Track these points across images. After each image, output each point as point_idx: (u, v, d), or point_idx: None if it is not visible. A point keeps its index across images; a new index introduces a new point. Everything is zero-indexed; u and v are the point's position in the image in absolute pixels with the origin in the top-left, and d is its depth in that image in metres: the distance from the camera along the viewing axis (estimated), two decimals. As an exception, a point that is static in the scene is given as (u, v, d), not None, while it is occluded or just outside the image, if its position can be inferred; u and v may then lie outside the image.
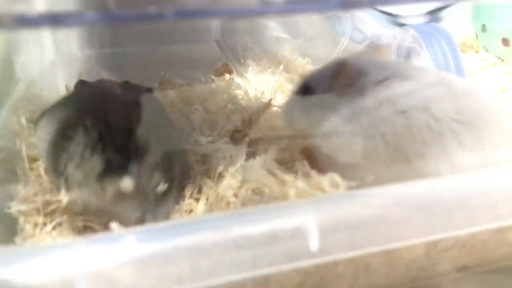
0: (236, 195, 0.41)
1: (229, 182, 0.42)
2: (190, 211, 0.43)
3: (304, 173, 0.39)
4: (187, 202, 0.43)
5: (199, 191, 0.45)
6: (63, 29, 0.66)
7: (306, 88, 0.49)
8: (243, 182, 0.41)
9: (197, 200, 0.44)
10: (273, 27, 0.89)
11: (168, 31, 0.90)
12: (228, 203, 0.40)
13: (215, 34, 0.71)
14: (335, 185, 0.35)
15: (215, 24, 0.71)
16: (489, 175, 0.34)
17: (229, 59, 0.73)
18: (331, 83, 0.45)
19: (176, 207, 0.43)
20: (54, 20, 0.25)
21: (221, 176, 0.44)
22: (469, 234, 0.33)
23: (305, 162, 0.43)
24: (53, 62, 0.81)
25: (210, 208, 0.41)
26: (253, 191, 0.40)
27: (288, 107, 0.51)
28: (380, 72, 0.44)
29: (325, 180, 0.36)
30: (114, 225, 0.30)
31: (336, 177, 0.36)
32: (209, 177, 0.45)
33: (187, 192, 0.44)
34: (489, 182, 0.33)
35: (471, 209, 0.32)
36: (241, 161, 0.44)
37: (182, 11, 0.23)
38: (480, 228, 0.32)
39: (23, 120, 0.49)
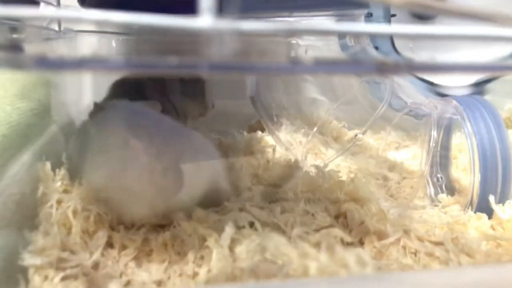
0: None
1: (245, 247, 0.39)
2: (194, 276, 0.40)
3: (328, 245, 0.36)
4: (191, 266, 0.41)
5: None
6: (87, 72, 0.67)
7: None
8: (259, 249, 0.38)
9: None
10: (310, 88, 0.88)
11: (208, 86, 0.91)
12: (240, 270, 0.37)
13: (250, 91, 0.71)
14: (361, 263, 0.32)
15: (250, 81, 0.71)
16: None
17: (262, 116, 0.72)
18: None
19: (178, 271, 0.41)
20: (76, 64, 0.23)
21: (235, 240, 0.41)
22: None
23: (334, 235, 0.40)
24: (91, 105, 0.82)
25: (218, 274, 0.39)
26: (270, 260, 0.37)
27: None
28: None
29: (350, 256, 0.33)
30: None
31: (364, 253, 0.33)
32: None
33: (191, 255, 0.42)
34: None
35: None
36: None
37: (215, 65, 0.21)
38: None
39: (48, 166, 0.48)
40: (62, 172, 0.48)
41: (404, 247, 0.47)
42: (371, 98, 0.79)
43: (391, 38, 0.80)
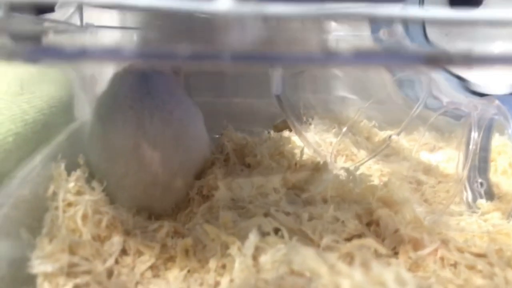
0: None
1: (269, 256, 0.36)
2: (216, 285, 0.38)
3: (362, 261, 0.33)
4: (212, 275, 0.38)
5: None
6: (98, 63, 0.64)
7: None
8: (285, 259, 0.35)
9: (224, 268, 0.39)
10: (339, 86, 0.84)
11: (232, 84, 0.89)
12: (264, 282, 0.34)
13: (275, 89, 0.67)
14: (401, 282, 0.29)
15: (276, 79, 0.67)
16: None
17: (288, 116, 0.68)
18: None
19: (199, 280, 0.39)
20: (85, 54, 0.21)
21: (259, 248, 0.38)
22: None
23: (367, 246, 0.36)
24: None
25: (240, 285, 0.35)
26: (297, 273, 0.34)
27: None
28: None
29: (389, 274, 0.29)
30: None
31: (403, 272, 0.29)
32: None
33: (213, 263, 0.39)
34: None
35: None
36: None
37: (238, 55, 0.18)
38: None
39: (62, 165, 0.45)
40: (77, 172, 0.45)
41: (442, 259, 0.43)
42: (404, 96, 0.75)
43: (423, 29, 0.75)
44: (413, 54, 0.18)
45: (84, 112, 0.69)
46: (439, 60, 0.19)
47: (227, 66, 0.17)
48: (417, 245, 0.44)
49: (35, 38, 0.48)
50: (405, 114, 0.71)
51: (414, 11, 0.20)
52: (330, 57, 0.18)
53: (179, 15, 0.18)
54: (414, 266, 0.42)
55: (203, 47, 0.18)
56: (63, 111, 0.62)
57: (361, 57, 0.18)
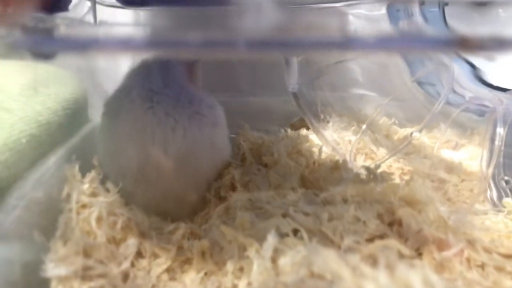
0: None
1: (289, 259, 0.34)
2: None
3: (387, 262, 0.31)
4: (230, 277, 0.37)
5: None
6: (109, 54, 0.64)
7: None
8: (305, 262, 0.33)
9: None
10: (357, 83, 0.83)
11: (247, 83, 0.88)
12: (284, 285, 0.33)
13: (292, 86, 0.65)
14: (428, 284, 0.27)
15: (292, 75, 0.65)
16: None
17: (305, 113, 0.66)
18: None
19: (216, 283, 0.37)
20: (96, 44, 0.20)
21: (278, 250, 0.36)
22: None
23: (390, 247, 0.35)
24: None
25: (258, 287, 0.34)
26: (317, 276, 0.32)
27: None
28: None
29: (415, 276, 0.28)
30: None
31: (430, 274, 0.28)
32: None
33: (230, 265, 0.38)
34: None
35: None
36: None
37: (253, 41, 0.16)
38: None
39: (76, 167, 0.44)
40: (92, 174, 0.45)
41: (468, 260, 0.41)
42: (424, 92, 0.72)
43: (444, 18, 0.73)
44: (444, 38, 0.17)
45: (99, 113, 0.68)
46: (471, 45, 0.17)
47: (242, 54, 0.16)
48: (441, 245, 0.42)
49: (47, 32, 0.47)
50: (426, 111, 0.70)
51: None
52: (350, 41, 0.16)
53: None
54: (439, 268, 0.41)
55: (216, 34, 0.16)
56: (77, 112, 0.62)
57: (385, 41, 0.17)
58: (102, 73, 0.73)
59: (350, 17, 0.71)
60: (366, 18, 0.72)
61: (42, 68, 0.61)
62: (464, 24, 0.73)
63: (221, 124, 0.52)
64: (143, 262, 0.40)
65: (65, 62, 0.64)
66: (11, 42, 0.20)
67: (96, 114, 0.68)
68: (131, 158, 0.47)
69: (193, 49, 0.16)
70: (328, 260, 0.30)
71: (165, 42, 0.17)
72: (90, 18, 0.62)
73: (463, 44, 0.17)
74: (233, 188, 0.51)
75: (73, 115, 0.60)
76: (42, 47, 0.20)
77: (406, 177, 0.60)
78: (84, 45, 0.20)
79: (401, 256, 0.39)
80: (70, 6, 0.59)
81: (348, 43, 0.16)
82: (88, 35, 0.20)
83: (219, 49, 0.16)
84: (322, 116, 0.73)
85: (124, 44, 0.19)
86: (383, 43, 0.16)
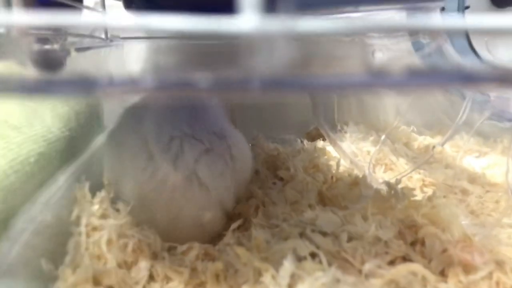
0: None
1: (307, 286, 0.33)
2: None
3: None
4: None
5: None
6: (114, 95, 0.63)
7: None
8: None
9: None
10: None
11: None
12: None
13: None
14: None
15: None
16: None
17: (321, 125, 0.64)
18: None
19: None
20: (97, 86, 0.18)
21: (295, 276, 0.35)
22: None
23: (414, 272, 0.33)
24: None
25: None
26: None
27: None
28: None
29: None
30: None
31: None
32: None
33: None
34: None
35: None
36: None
37: (269, 81, 0.15)
38: None
39: (86, 187, 0.43)
40: (102, 194, 0.43)
41: (498, 283, 0.39)
42: (443, 98, 0.70)
43: (467, 34, 0.70)
44: (481, 74, 0.15)
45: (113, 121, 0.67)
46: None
47: (256, 95, 0.14)
48: (468, 267, 0.40)
49: (58, 63, 0.46)
50: (445, 117, 0.67)
51: (455, 21, 0.16)
52: (378, 79, 0.15)
53: (200, 37, 0.15)
54: (466, 292, 0.38)
55: (227, 73, 0.15)
56: (90, 123, 0.61)
57: (417, 77, 0.15)
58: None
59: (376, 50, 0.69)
60: (392, 50, 0.70)
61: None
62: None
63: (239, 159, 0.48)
64: (155, 286, 0.39)
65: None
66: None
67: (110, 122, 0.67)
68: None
69: (204, 91, 0.15)
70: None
71: (174, 82, 0.16)
72: (101, 31, 0.61)
73: (504, 79, 0.15)
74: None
75: (86, 126, 0.58)
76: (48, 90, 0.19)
77: (428, 190, 0.57)
78: (88, 87, 0.18)
79: (425, 280, 0.37)
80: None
81: (372, 80, 0.14)
82: (93, 77, 0.18)
83: (232, 90, 0.15)
84: (338, 126, 0.70)
85: (132, 85, 0.18)
86: (413, 80, 0.14)
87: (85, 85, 0.17)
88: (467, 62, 0.69)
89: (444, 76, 0.15)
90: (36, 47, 0.40)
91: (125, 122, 0.48)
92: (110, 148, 0.48)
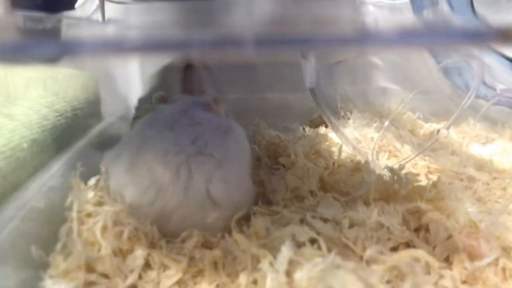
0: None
1: (305, 273, 0.31)
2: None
3: (412, 279, 0.28)
4: None
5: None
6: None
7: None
8: (323, 276, 0.30)
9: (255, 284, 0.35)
10: (379, 76, 0.79)
11: (265, 79, 0.86)
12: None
13: (309, 82, 0.61)
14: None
15: (309, 70, 0.62)
16: None
17: (323, 110, 0.62)
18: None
19: None
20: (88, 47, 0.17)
21: (294, 262, 0.33)
22: None
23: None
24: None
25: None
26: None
27: None
28: None
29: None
30: None
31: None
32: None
33: (243, 277, 0.35)
34: None
35: None
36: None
37: (262, 40, 0.13)
38: None
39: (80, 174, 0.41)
40: (99, 181, 0.42)
41: (504, 269, 0.38)
42: (451, 84, 0.68)
43: (471, 4, 0.68)
44: (480, 29, 0.14)
45: (112, 111, 0.66)
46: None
47: (249, 54, 0.13)
48: (473, 253, 0.39)
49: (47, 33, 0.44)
50: (453, 104, 0.66)
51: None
52: (368, 37, 0.13)
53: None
54: (471, 279, 0.37)
55: (222, 32, 0.14)
56: (88, 112, 0.60)
57: (408, 35, 0.14)
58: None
59: (370, 7, 0.67)
60: (387, 8, 0.68)
61: (53, 69, 0.59)
62: (492, 10, 0.69)
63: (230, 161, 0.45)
64: (152, 274, 0.38)
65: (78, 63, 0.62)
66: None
67: (109, 112, 0.66)
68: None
69: (199, 48, 0.14)
70: (347, 283, 0.27)
71: (169, 42, 0.15)
72: (98, 16, 0.60)
73: (503, 35, 0.14)
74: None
75: (84, 116, 0.58)
76: (38, 50, 0.18)
77: (433, 177, 0.56)
78: (87, 47, 0.17)
79: (429, 266, 0.36)
80: (78, 4, 0.57)
81: (363, 38, 0.13)
82: (92, 36, 0.17)
83: (226, 49, 0.13)
84: (342, 113, 0.69)
85: (120, 46, 0.17)
86: (406, 38, 0.13)
87: (65, 46, 0.16)
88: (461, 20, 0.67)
89: (437, 33, 0.13)
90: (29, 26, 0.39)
91: (130, 148, 0.45)
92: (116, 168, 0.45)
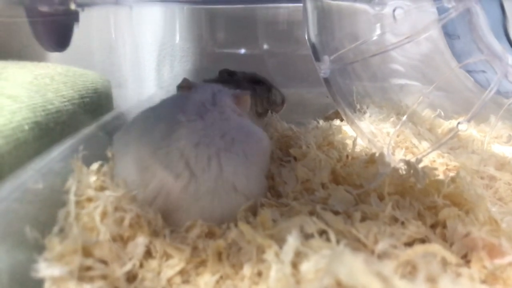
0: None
1: (312, 264, 0.29)
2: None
3: (427, 273, 0.26)
4: (246, 283, 0.33)
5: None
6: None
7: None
8: (330, 271, 0.28)
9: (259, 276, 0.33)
10: (399, 72, 0.76)
11: (281, 75, 0.85)
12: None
13: (323, 71, 0.59)
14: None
15: (324, 59, 0.59)
16: None
17: (337, 101, 0.60)
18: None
19: None
20: None
21: (300, 254, 0.31)
22: None
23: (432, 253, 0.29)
24: (153, 96, 0.77)
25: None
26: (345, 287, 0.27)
27: None
28: None
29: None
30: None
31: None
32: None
33: (248, 269, 0.34)
34: None
35: None
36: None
37: None
38: None
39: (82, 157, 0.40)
40: (102, 166, 0.41)
41: (526, 269, 0.35)
42: (474, 81, 0.66)
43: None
44: None
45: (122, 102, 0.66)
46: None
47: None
48: (493, 251, 0.37)
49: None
50: (474, 101, 0.63)
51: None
52: None
53: None
54: (490, 278, 0.35)
55: None
56: (97, 102, 0.59)
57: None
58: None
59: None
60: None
61: (63, 66, 0.59)
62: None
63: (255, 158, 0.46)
64: (153, 263, 0.36)
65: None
66: None
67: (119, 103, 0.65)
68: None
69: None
70: (354, 269, 0.25)
71: None
72: None
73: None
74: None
75: (92, 104, 0.57)
76: None
77: (452, 174, 0.54)
78: None
79: (445, 263, 0.33)
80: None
81: None
82: None
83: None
84: (358, 107, 0.67)
85: None
86: None
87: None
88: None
89: None
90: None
91: (157, 130, 0.45)
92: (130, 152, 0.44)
